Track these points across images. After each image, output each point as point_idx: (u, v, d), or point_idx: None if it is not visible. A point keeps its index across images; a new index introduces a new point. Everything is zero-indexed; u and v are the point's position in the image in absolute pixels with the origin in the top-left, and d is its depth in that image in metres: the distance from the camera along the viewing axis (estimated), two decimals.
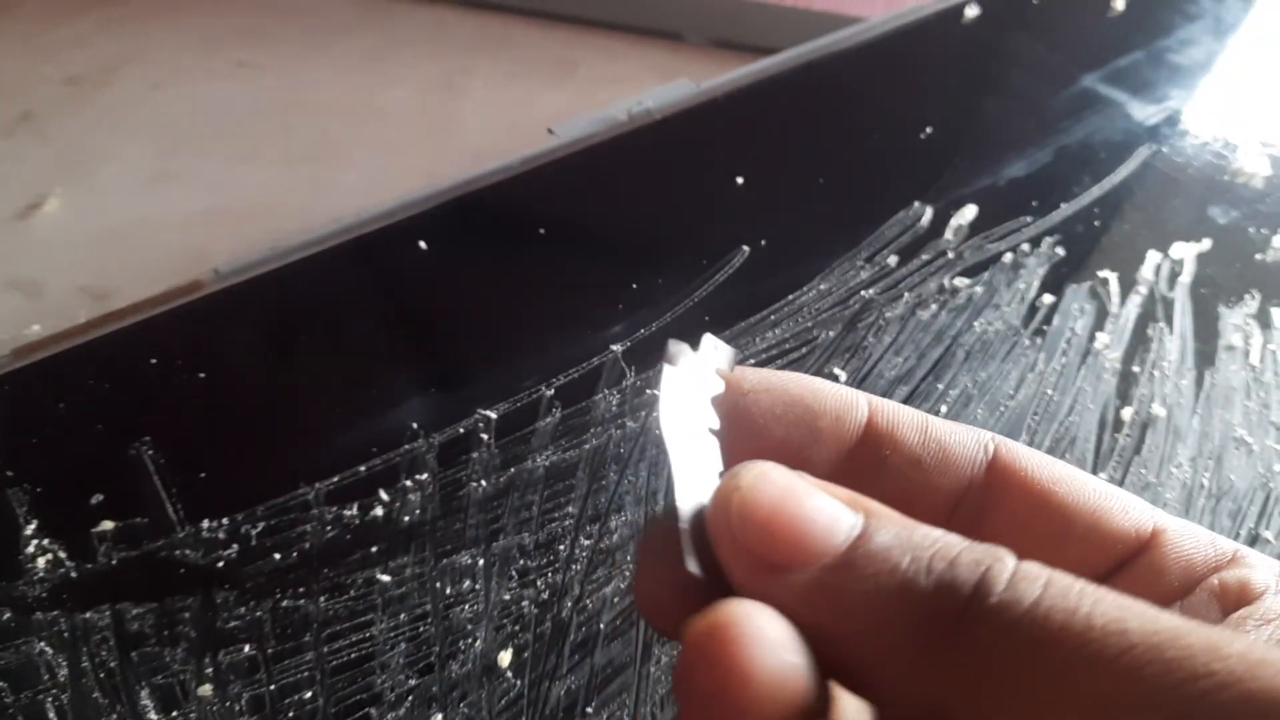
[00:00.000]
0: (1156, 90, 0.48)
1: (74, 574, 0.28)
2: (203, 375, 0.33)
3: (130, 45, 0.64)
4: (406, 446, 0.32)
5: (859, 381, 0.36)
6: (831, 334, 0.37)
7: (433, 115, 0.62)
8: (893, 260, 0.39)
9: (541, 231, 0.38)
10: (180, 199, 0.54)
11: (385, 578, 0.29)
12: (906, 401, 0.35)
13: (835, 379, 0.36)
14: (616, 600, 0.30)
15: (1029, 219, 0.41)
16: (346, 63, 0.66)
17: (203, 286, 0.35)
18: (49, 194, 0.53)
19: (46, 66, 0.62)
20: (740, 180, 0.41)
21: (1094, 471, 0.34)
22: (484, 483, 0.32)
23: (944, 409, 0.35)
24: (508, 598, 0.29)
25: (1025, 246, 0.40)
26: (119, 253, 0.51)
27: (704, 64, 0.71)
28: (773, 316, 0.38)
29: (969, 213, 0.40)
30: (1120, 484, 0.34)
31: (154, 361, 0.33)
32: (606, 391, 0.34)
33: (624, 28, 0.71)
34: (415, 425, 0.32)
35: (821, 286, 0.39)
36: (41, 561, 0.29)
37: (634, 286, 0.37)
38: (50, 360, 0.32)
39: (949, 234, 0.40)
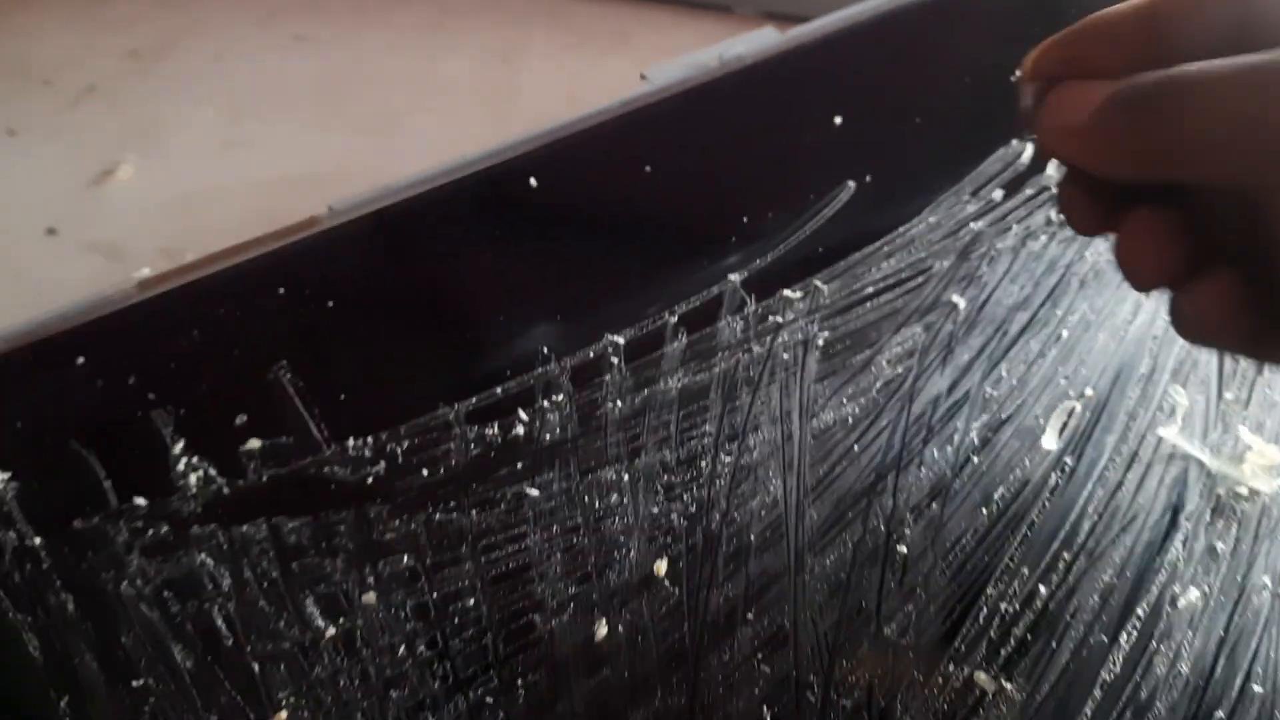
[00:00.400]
0: None
1: (226, 490, 0.28)
2: (330, 304, 0.33)
3: (187, 20, 0.64)
4: (540, 369, 0.32)
5: (978, 309, 0.36)
6: (946, 264, 0.37)
7: (491, 85, 0.62)
8: (998, 195, 0.39)
9: (647, 169, 0.38)
10: (251, 165, 0.54)
11: (534, 492, 0.29)
12: (1026, 329, 0.35)
13: (955, 306, 0.36)
14: (763, 514, 0.30)
15: None
16: (403, 35, 0.66)
17: (319, 222, 0.35)
18: (121, 161, 0.53)
19: (106, 40, 0.62)
20: (838, 120, 0.41)
21: (1219, 392, 0.34)
22: (619, 403, 0.31)
23: (1065, 333, 0.35)
24: (655, 511, 0.29)
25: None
26: (194, 216, 0.51)
27: (755, 34, 0.71)
28: (885, 248, 0.37)
29: None
30: (1246, 404, 0.34)
31: (281, 291, 0.33)
32: (729, 318, 0.34)
33: (673, 1, 0.71)
34: (545, 349, 0.32)
35: (930, 219, 0.39)
36: (193, 478, 0.28)
37: (744, 220, 0.37)
38: (178, 290, 0.32)
39: (1050, 169, 0.40)
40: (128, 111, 0.56)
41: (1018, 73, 0.27)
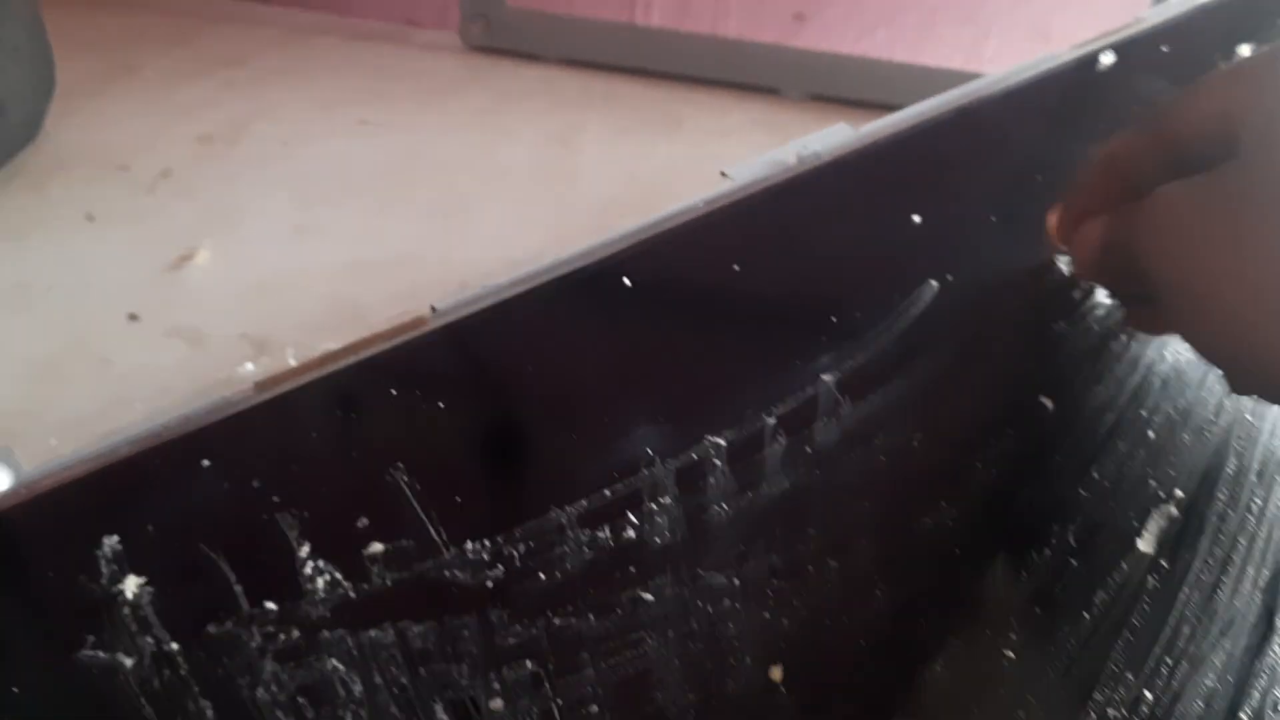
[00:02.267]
0: None
1: (352, 594, 0.29)
2: (441, 404, 0.34)
3: (255, 105, 0.66)
4: (645, 471, 0.33)
5: (1066, 412, 0.37)
6: (1031, 365, 0.38)
7: (552, 169, 0.64)
8: (1076, 294, 0.40)
9: (736, 268, 0.39)
10: (325, 250, 0.55)
11: (648, 596, 0.30)
12: (1113, 430, 0.36)
13: (1045, 408, 0.36)
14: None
15: None
16: (462, 120, 0.67)
17: (426, 323, 0.36)
18: (198, 246, 0.54)
19: (179, 126, 0.63)
20: (917, 219, 0.42)
21: None
22: (725, 505, 0.32)
23: (1151, 434, 0.36)
24: (767, 616, 0.30)
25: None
26: (273, 302, 0.52)
27: (803, 117, 0.72)
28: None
29: None
30: None
31: (394, 393, 0.34)
32: (825, 419, 0.35)
33: (723, 83, 0.73)
34: (649, 450, 0.33)
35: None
36: (320, 582, 0.29)
37: (833, 319, 0.38)
38: (296, 393, 0.33)
39: None
40: (202, 196, 0.57)
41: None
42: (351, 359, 0.34)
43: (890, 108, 0.57)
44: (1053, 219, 0.37)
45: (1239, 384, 0.29)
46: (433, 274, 0.54)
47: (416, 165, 0.63)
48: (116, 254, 0.54)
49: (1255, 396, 0.31)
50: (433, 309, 0.37)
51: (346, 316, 0.51)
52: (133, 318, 0.50)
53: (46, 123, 0.59)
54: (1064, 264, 0.39)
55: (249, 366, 0.39)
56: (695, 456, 0.33)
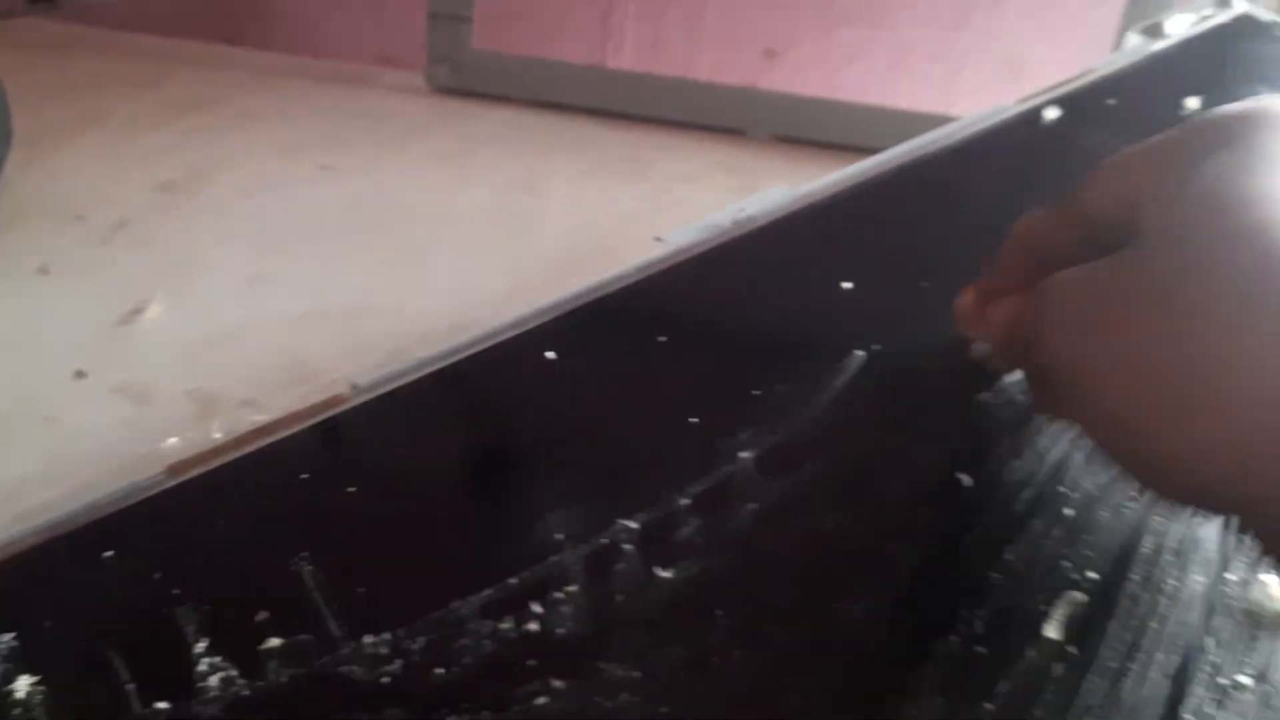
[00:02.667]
0: None
1: (247, 691, 0.29)
2: (352, 490, 0.34)
3: (218, 151, 0.66)
4: (553, 558, 0.33)
5: (984, 488, 0.36)
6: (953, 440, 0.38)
7: (514, 214, 0.64)
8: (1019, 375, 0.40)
9: (662, 340, 0.39)
10: (279, 302, 0.55)
11: (545, 696, 0.30)
12: (1032, 508, 0.36)
13: (960, 485, 0.36)
14: None
15: None
16: (424, 163, 0.67)
17: (344, 401, 0.36)
18: (150, 299, 0.54)
19: (137, 174, 0.64)
20: (847, 285, 0.42)
21: (1220, 572, 0.34)
22: (633, 592, 0.32)
23: (1069, 512, 0.36)
24: (665, 711, 0.30)
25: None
26: (223, 358, 0.52)
27: (770, 161, 0.72)
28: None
29: None
30: (1247, 587, 0.34)
31: (305, 477, 0.34)
32: (741, 500, 0.35)
33: (690, 125, 0.73)
34: (558, 536, 0.33)
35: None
36: (214, 680, 0.29)
37: (756, 393, 0.38)
38: (205, 478, 0.33)
39: None
40: (158, 247, 0.58)
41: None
42: (266, 439, 0.34)
43: (858, 149, 0.58)
44: (965, 299, 0.37)
45: (1134, 478, 0.29)
46: (387, 326, 0.54)
47: (376, 212, 0.63)
48: (67, 308, 0.54)
49: (1152, 494, 0.31)
50: (353, 386, 0.37)
51: (297, 373, 0.51)
52: (80, 374, 0.50)
53: (5, 172, 0.60)
54: (978, 345, 0.39)
55: (172, 440, 0.39)
56: (605, 541, 0.33)
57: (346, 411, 0.35)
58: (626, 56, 0.84)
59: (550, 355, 0.38)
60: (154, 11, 0.80)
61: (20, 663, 0.28)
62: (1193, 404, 0.26)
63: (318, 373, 0.51)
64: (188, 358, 0.52)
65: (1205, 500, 0.29)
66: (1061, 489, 0.36)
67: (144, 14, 0.79)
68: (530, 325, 0.38)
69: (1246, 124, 0.29)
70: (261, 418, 0.37)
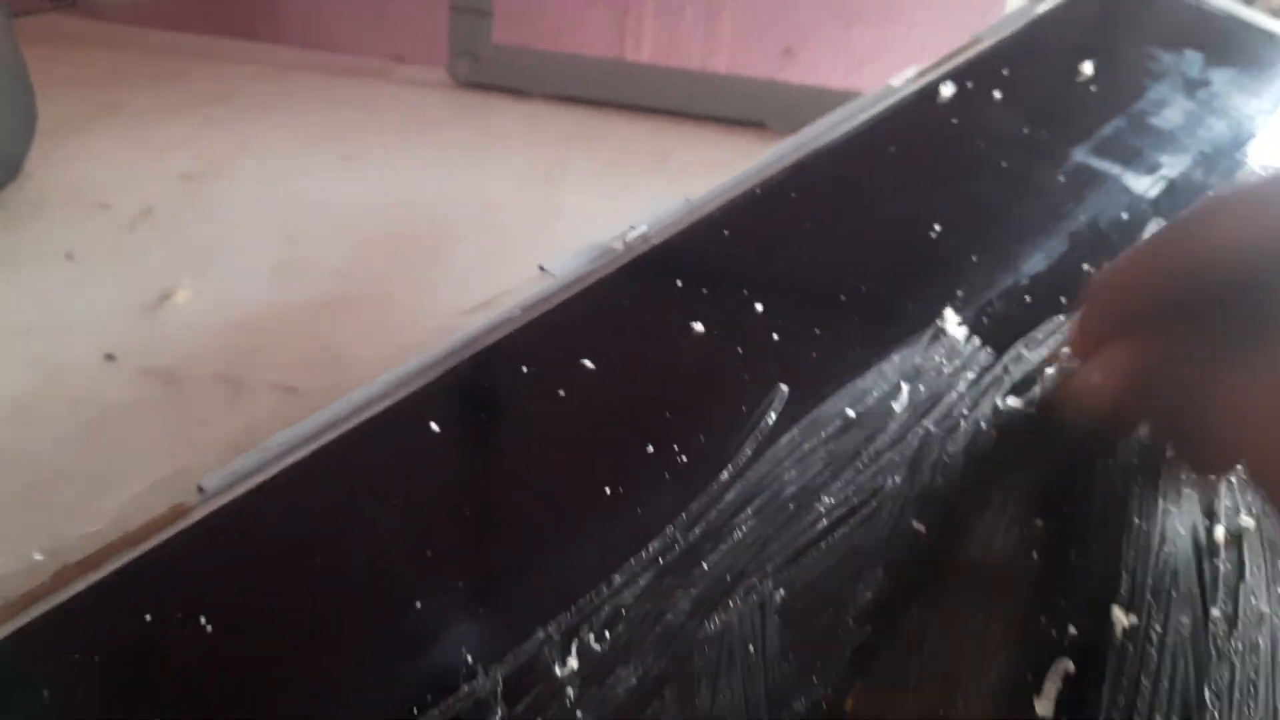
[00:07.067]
0: (1146, 159, 0.48)
1: None
2: (204, 621, 0.27)
3: (237, 141, 0.66)
4: (465, 687, 0.26)
5: (940, 535, 0.32)
6: (898, 480, 0.33)
7: (535, 204, 0.64)
8: (935, 383, 0.37)
9: (561, 394, 0.34)
10: (304, 289, 0.55)
11: None
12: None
13: (919, 533, 0.32)
14: None
15: (1062, 317, 0.39)
16: (446, 155, 0.67)
17: (187, 512, 0.30)
18: (178, 285, 0.54)
19: (161, 163, 0.63)
20: (760, 307, 0.38)
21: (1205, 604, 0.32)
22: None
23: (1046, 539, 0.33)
24: None
25: (1067, 350, 0.37)
26: (250, 342, 0.52)
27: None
28: (829, 471, 0.33)
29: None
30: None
31: (148, 618, 0.27)
32: (682, 591, 0.30)
33: (710, 118, 0.73)
34: (469, 658, 0.27)
35: (863, 423, 0.35)
36: None
37: (675, 448, 0.33)
38: (30, 626, 0.27)
39: (981, 351, 0.38)
40: (183, 234, 0.57)
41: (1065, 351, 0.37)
42: (95, 576, 0.28)
43: None
44: (1071, 334, 0.35)
45: None
46: (409, 313, 0.54)
47: (398, 202, 0.63)
48: (95, 293, 0.53)
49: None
50: (200, 489, 0.31)
51: (322, 358, 0.51)
52: (109, 358, 0.49)
53: (28, 161, 0.59)
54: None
55: (36, 556, 0.36)
56: (525, 658, 0.28)
57: (191, 527, 0.29)
58: (645, 55, 0.84)
59: (435, 427, 0.33)
60: (171, 8, 0.80)
61: None
62: None
63: (344, 359, 0.51)
64: (216, 343, 0.51)
65: None
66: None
67: (161, 10, 0.79)
68: (410, 390, 0.33)
69: None
70: (93, 529, 0.33)
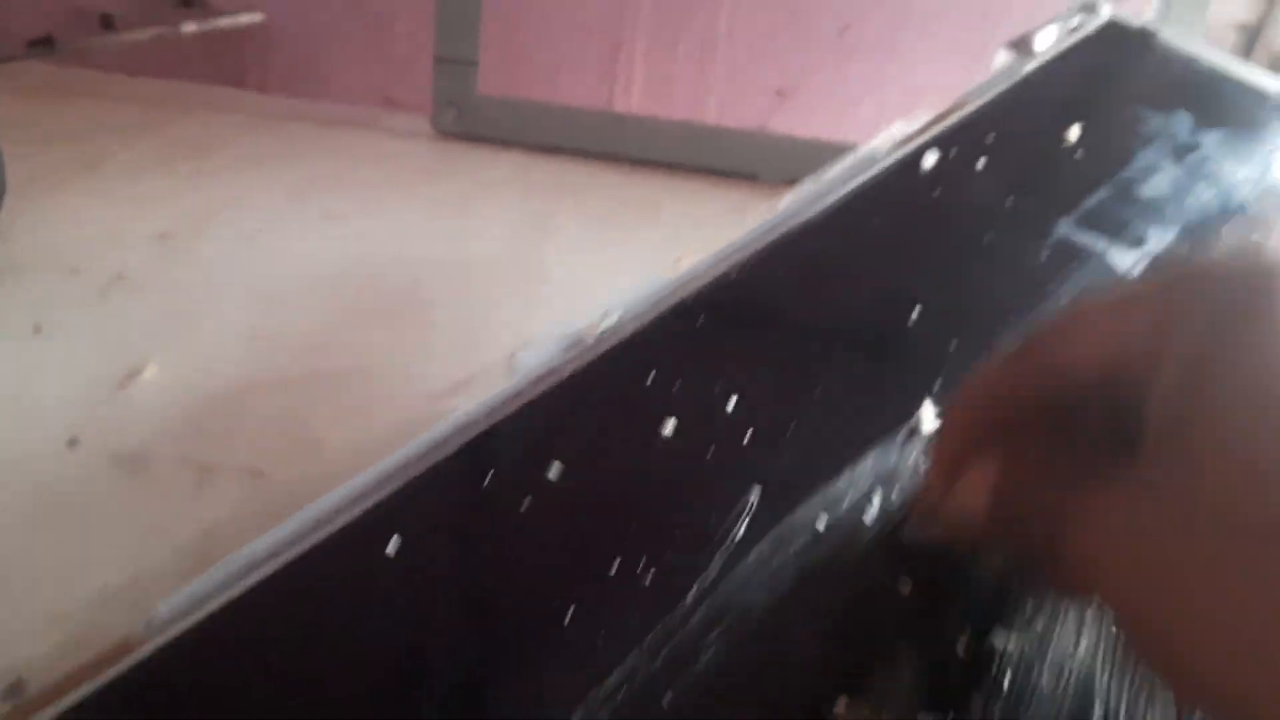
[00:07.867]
0: (1131, 231, 0.45)
1: None
2: None
3: (218, 197, 0.65)
4: None
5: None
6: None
7: (523, 261, 0.62)
8: (910, 486, 0.35)
9: (528, 500, 0.33)
10: (279, 361, 0.54)
11: None
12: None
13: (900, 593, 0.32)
14: None
15: None
16: (430, 209, 0.66)
17: (133, 649, 0.28)
18: (147, 360, 0.52)
19: (137, 222, 0.62)
20: (732, 404, 0.36)
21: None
22: None
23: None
24: None
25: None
26: (221, 422, 0.50)
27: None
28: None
29: None
30: None
31: None
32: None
33: (701, 170, 0.71)
34: None
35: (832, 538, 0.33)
36: None
37: (644, 571, 0.31)
38: None
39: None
40: (155, 301, 0.56)
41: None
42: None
43: None
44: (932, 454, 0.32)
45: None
46: (385, 392, 0.53)
47: (382, 262, 0.61)
48: (61, 370, 0.52)
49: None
50: (147, 623, 0.29)
51: (294, 440, 0.50)
52: (72, 442, 0.48)
53: None
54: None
55: None
56: None
57: (135, 666, 0.28)
58: (635, 96, 0.82)
59: (394, 543, 0.31)
60: (153, 55, 0.79)
61: None
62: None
63: (318, 439, 0.50)
64: (185, 423, 0.50)
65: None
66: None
67: (143, 57, 0.78)
68: (374, 500, 0.32)
69: (1233, 278, 0.25)
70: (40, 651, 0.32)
